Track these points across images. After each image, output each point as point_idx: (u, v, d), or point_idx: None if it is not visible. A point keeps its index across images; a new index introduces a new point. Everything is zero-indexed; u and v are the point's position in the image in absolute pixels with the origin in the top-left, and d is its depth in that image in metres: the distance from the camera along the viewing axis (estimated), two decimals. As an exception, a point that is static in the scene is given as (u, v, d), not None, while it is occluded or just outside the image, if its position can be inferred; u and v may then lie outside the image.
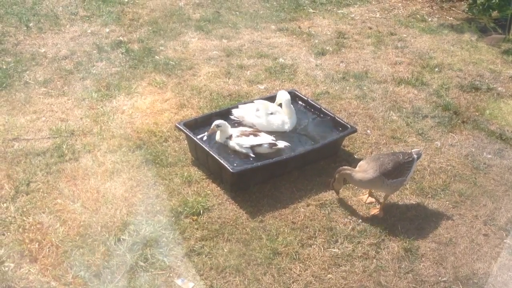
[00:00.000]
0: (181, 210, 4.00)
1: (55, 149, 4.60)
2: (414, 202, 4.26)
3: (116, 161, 4.49)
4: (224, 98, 5.47)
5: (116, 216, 3.92)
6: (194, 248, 3.70)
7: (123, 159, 4.51)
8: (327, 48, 6.77)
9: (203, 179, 4.35)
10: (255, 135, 4.40)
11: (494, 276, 3.66)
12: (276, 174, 4.36)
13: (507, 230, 4.03)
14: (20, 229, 3.78)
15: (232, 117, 4.80)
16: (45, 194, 4.11)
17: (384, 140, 4.96)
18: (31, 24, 6.99)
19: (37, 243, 3.67)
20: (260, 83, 5.85)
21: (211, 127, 4.42)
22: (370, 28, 7.50)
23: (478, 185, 4.49)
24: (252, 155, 4.32)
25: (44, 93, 5.47)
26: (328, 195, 4.23)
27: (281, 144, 4.39)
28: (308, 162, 4.48)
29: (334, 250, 3.79)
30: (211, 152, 4.19)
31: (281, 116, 4.73)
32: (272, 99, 4.88)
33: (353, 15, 8.01)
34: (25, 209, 3.95)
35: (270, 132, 4.59)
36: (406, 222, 4.06)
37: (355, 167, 4.06)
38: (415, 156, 4.10)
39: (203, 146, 4.26)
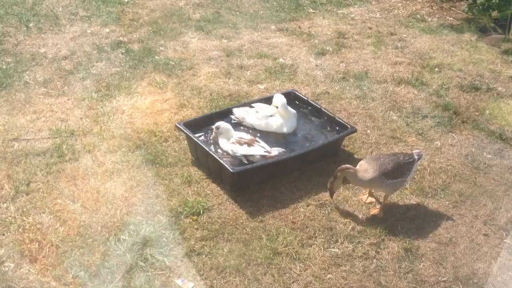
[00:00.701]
0: (181, 210, 4.00)
1: (55, 149, 4.60)
2: (414, 202, 4.26)
3: (116, 161, 4.49)
4: (224, 98, 5.47)
5: (116, 216, 3.92)
6: (194, 248, 3.70)
7: (123, 159, 4.51)
8: (327, 48, 6.77)
9: (203, 179, 4.35)
10: (249, 145, 4.35)
11: (494, 276, 3.66)
12: (276, 174, 4.36)
13: (507, 230, 4.03)
14: (20, 229, 3.78)
15: (232, 116, 4.81)
16: (45, 194, 4.11)
17: (384, 140, 4.96)
18: (31, 25, 6.99)
19: (37, 243, 3.67)
20: (260, 83, 5.85)
21: (213, 131, 4.43)
22: (370, 28, 7.50)
23: (478, 185, 4.49)
24: (246, 162, 4.31)
25: (44, 93, 5.47)
26: (328, 195, 4.23)
27: (275, 152, 4.37)
28: (308, 162, 4.48)
29: (334, 250, 3.79)
30: (211, 152, 4.20)
31: (281, 118, 4.73)
32: (269, 100, 4.87)
33: (353, 15, 8.01)
34: (25, 209, 3.95)
35: (270, 133, 4.58)
36: (406, 222, 4.06)
37: (355, 166, 4.06)
38: (416, 157, 4.09)
39: (203, 146, 4.26)
